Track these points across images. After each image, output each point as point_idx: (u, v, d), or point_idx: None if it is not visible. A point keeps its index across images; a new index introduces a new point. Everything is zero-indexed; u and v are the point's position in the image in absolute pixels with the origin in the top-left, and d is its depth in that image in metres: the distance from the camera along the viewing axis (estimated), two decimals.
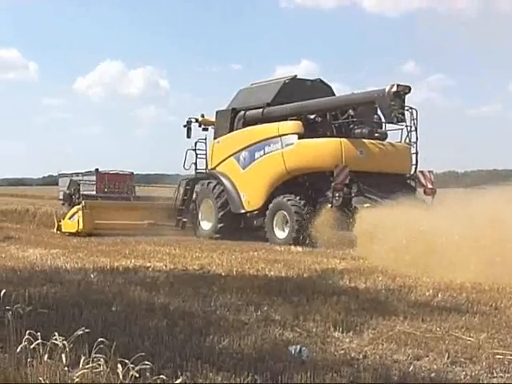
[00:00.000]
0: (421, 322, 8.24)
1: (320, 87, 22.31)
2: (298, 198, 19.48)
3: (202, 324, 7.85)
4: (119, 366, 4.27)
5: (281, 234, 19.87)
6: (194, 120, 25.22)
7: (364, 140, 19.66)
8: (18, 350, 5.02)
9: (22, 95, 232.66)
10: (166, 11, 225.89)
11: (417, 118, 19.85)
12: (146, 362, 4.26)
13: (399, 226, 13.65)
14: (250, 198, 21.36)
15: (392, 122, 19.60)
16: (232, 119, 22.87)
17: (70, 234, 23.01)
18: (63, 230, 23.65)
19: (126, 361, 4.28)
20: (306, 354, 6.57)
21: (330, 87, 22.81)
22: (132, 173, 29.26)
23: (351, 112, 20.77)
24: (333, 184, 18.43)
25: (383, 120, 20.22)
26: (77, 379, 4.50)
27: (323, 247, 17.46)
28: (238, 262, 14.21)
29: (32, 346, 4.91)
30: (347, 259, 15.05)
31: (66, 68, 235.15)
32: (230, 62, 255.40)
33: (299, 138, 20.02)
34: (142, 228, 23.42)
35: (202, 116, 25.30)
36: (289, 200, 19.62)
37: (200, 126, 25.28)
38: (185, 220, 24.23)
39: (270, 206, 20.32)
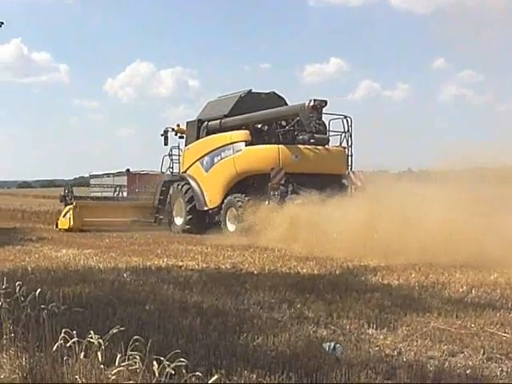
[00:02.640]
0: (455, 319, 8.19)
1: (273, 99, 25.08)
2: (244, 196, 22.36)
3: (236, 322, 7.85)
4: (155, 363, 4.28)
5: (232, 227, 22.60)
6: (170, 129, 28.59)
7: (300, 146, 22.60)
8: (54, 348, 5.05)
9: (53, 97, 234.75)
10: (195, 12, 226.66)
11: (351, 125, 22.99)
12: (182, 359, 4.26)
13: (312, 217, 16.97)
14: (211, 196, 24.44)
15: (311, 132, 22.23)
16: (198, 129, 26.15)
17: (65, 230, 25.88)
18: (59, 227, 26.55)
19: (162, 358, 4.29)
20: (340, 351, 6.56)
21: (283, 99, 25.47)
22: (163, 173, 30.06)
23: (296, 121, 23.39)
24: (269, 184, 21.37)
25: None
26: (113, 377, 4.52)
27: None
28: (270, 260, 14.21)
29: (68, 345, 4.93)
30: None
31: (96, 69, 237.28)
32: (260, 61, 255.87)
33: (246, 145, 23.11)
34: (126, 224, 26.62)
35: (178, 125, 28.55)
36: (236, 198, 22.69)
37: (176, 134, 28.57)
38: (161, 217, 27.56)
39: (224, 203, 23.42)
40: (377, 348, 6.81)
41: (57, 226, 26.91)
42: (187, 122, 27.48)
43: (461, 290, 10.28)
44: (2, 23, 9.58)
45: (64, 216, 26.77)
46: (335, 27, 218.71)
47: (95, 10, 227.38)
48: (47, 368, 5.33)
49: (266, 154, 22.54)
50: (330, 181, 20.92)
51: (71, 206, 26.73)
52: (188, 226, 25.09)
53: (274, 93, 25.81)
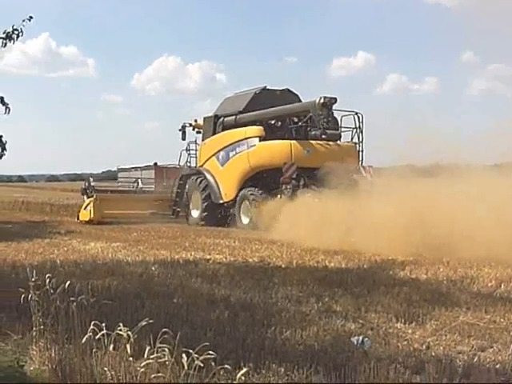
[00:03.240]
0: (484, 313, 8.14)
1: (287, 96, 25.80)
2: (257, 190, 23.32)
3: (264, 315, 7.86)
4: (184, 356, 4.29)
5: (245, 220, 23.58)
6: (188, 124, 29.61)
7: (312, 141, 23.26)
8: (83, 340, 5.08)
9: (81, 91, 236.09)
10: (221, 6, 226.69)
11: (362, 122, 23.78)
12: (211, 352, 4.27)
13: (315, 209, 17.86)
14: (226, 190, 25.31)
15: (323, 128, 22.79)
16: (215, 124, 27.01)
17: (85, 221, 27.00)
18: (80, 219, 27.68)
19: (190, 351, 4.29)
20: (369, 345, 6.55)
21: (297, 95, 26.18)
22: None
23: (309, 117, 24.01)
24: (281, 178, 22.26)
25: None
26: (142, 369, 4.54)
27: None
28: (298, 254, 14.20)
29: (97, 337, 4.96)
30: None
31: (124, 64, 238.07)
32: (287, 55, 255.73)
33: (260, 141, 23.99)
34: (145, 216, 27.83)
35: (195, 121, 29.53)
36: (250, 192, 23.58)
37: (194, 129, 29.56)
38: (178, 210, 28.61)
39: (238, 196, 24.29)
40: (405, 342, 6.78)
41: (78, 218, 27.96)
42: (204, 118, 28.34)
43: (490, 285, 10.21)
44: (31, 17, 9.58)
45: (85, 208, 27.74)
46: (363, 20, 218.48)
47: (122, 3, 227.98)
48: (76, 360, 5.36)
49: (278, 149, 23.31)
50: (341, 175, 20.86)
51: (92, 199, 27.68)
52: (204, 218, 25.97)
53: (288, 90, 26.49)
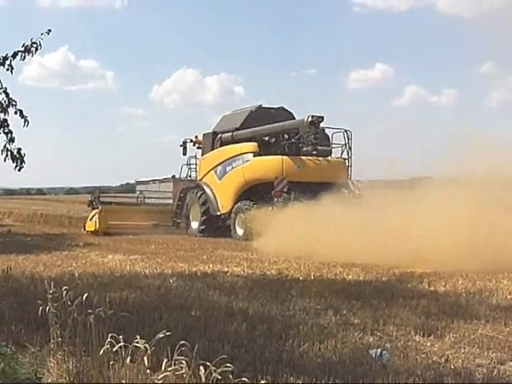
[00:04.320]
0: (503, 326, 8.11)
1: (282, 114, 27.02)
2: (251, 203, 24.30)
3: (282, 328, 7.84)
4: (201, 368, 4.28)
5: (240, 231, 24.56)
6: (188, 140, 31.06)
7: (303, 157, 24.37)
8: (101, 353, 5.07)
9: (100, 104, 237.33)
10: (240, 19, 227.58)
11: (351, 138, 25.09)
12: (228, 365, 4.26)
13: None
14: (223, 202, 26.42)
15: (314, 144, 23.90)
16: (213, 140, 28.31)
17: (91, 232, 28.03)
18: (86, 229, 28.75)
19: (208, 363, 4.28)
20: (387, 357, 6.52)
21: (291, 113, 27.41)
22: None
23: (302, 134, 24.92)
24: (273, 191, 23.36)
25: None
26: (159, 382, 4.52)
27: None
28: (316, 267, 14.18)
29: (114, 349, 4.95)
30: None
31: (143, 77, 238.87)
32: (306, 67, 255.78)
33: (254, 156, 25.23)
34: (147, 227, 28.72)
35: (196, 137, 30.84)
36: (244, 204, 24.72)
37: (194, 145, 30.98)
38: (178, 221, 29.76)
39: (233, 209, 25.41)
40: (424, 355, 6.75)
41: (84, 229, 29.06)
42: (204, 134, 29.71)
43: (509, 297, 10.19)
44: (50, 31, 9.63)
45: (91, 219, 28.87)
46: (381, 33, 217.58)
47: (141, 17, 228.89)
48: (94, 372, 5.35)
49: (271, 164, 24.45)
50: (328, 189, 21.68)
51: (97, 211, 28.76)
52: (202, 230, 27.04)
53: (283, 108, 27.81)
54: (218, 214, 26.65)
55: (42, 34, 9.63)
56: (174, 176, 33.12)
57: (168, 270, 13.86)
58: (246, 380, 4.32)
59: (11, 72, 9.69)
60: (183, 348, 4.55)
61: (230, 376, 4.28)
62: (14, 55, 9.62)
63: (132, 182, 50.83)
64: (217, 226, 26.87)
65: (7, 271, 12.33)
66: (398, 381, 5.65)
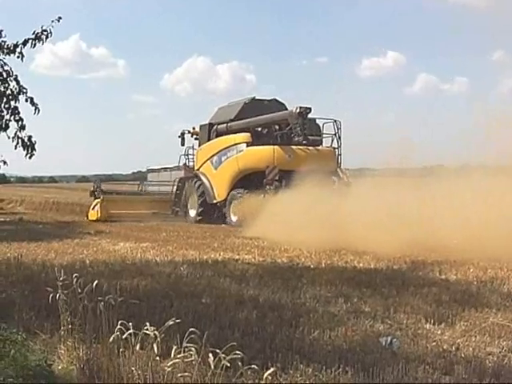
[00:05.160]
0: None
1: (274, 105, 27.87)
2: (244, 190, 25.20)
3: (292, 316, 7.84)
4: (210, 355, 4.28)
5: (234, 218, 25.61)
6: (186, 131, 32.30)
7: (293, 146, 25.43)
8: (111, 340, 5.08)
9: (112, 92, 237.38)
10: (251, 8, 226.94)
11: (340, 128, 26.15)
12: (237, 352, 4.25)
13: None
14: (219, 191, 27.44)
15: (305, 134, 24.85)
16: (209, 131, 29.51)
17: (93, 220, 28.91)
18: (89, 218, 29.76)
19: (217, 351, 4.28)
20: (397, 345, 6.51)
21: (283, 105, 28.22)
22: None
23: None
24: (264, 180, 24.35)
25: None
26: (168, 369, 4.53)
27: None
28: (327, 255, 14.16)
29: (124, 337, 4.95)
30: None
31: (154, 64, 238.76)
32: (316, 55, 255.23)
33: (247, 146, 26.27)
34: (148, 215, 29.88)
35: (193, 128, 31.98)
36: (238, 192, 25.76)
37: (192, 136, 32.12)
38: (177, 209, 30.86)
39: (228, 197, 26.44)
40: (434, 343, 6.73)
41: (87, 217, 30.07)
42: (200, 126, 31.09)
43: None
44: (60, 18, 9.60)
45: (93, 208, 29.99)
46: (392, 20, 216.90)
47: (152, 4, 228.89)
48: (104, 359, 5.37)
49: (263, 154, 25.48)
50: (319, 177, 22.01)
51: (99, 200, 29.99)
52: (200, 217, 28.11)
53: (276, 100, 28.90)
54: (215, 202, 27.67)
55: (52, 21, 9.60)
56: (185, 164, 33.13)
57: (179, 257, 13.87)
58: (255, 367, 4.32)
59: (22, 60, 9.68)
60: (193, 335, 4.56)
61: (240, 363, 4.28)
62: (25, 43, 9.60)
63: (143, 170, 50.91)
64: (213, 213, 27.82)
65: (18, 258, 12.34)
66: (408, 369, 5.63)
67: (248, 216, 21.85)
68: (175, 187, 31.64)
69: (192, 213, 29.07)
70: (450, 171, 17.33)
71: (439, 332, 7.23)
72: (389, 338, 6.66)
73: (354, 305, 8.60)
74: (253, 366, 4.37)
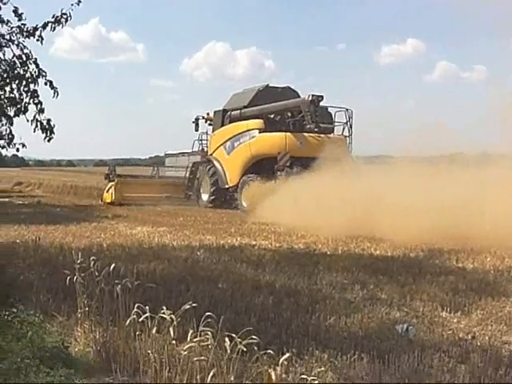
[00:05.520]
0: None
1: (288, 93, 28.14)
2: (256, 176, 25.32)
3: (308, 302, 7.85)
4: (227, 339, 4.29)
5: (245, 203, 25.50)
6: (200, 117, 32.71)
7: (305, 134, 25.60)
8: (127, 323, 5.11)
9: (130, 76, 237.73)
10: None
11: (352, 117, 26.31)
12: (254, 337, 4.26)
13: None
14: (231, 176, 27.82)
15: (317, 121, 25.03)
16: (223, 117, 29.82)
17: (108, 203, 29.60)
18: (103, 201, 30.55)
19: (234, 335, 4.29)
20: (413, 333, 6.51)
21: (296, 92, 28.54)
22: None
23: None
24: (276, 166, 24.64)
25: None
26: (185, 352, 4.54)
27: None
28: (343, 241, 14.16)
29: (140, 320, 4.97)
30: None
31: (173, 49, 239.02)
32: (335, 41, 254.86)
33: (260, 132, 26.52)
34: (161, 199, 30.36)
35: (207, 114, 32.39)
36: (249, 178, 25.91)
37: (206, 121, 32.55)
38: (190, 193, 31.33)
39: (240, 182, 26.69)
40: (450, 331, 6.73)
41: (102, 200, 30.96)
42: (214, 112, 31.34)
43: None
44: (80, 1, 9.60)
45: (107, 191, 30.70)
46: (412, 8, 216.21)
47: None
48: (120, 342, 5.40)
49: (275, 140, 25.67)
50: (330, 164, 22.02)
51: (113, 183, 30.48)
52: (212, 202, 28.65)
53: (289, 87, 29.23)
54: (227, 186, 28.03)
55: (72, 4, 9.61)
56: (202, 149, 33.19)
57: (196, 242, 13.90)
58: (271, 352, 4.33)
59: (41, 43, 9.70)
60: (209, 319, 4.56)
61: (256, 348, 4.28)
62: (44, 26, 9.62)
63: (161, 154, 50.95)
64: (225, 198, 28.26)
65: (36, 241, 12.40)
66: (423, 356, 5.63)
67: (259, 201, 21.95)
68: (188, 172, 32.11)
69: (204, 197, 29.54)
70: (469, 159, 17.24)
71: (455, 320, 7.23)
72: (405, 326, 6.66)
73: (370, 292, 8.61)
74: (269, 351, 4.38)
